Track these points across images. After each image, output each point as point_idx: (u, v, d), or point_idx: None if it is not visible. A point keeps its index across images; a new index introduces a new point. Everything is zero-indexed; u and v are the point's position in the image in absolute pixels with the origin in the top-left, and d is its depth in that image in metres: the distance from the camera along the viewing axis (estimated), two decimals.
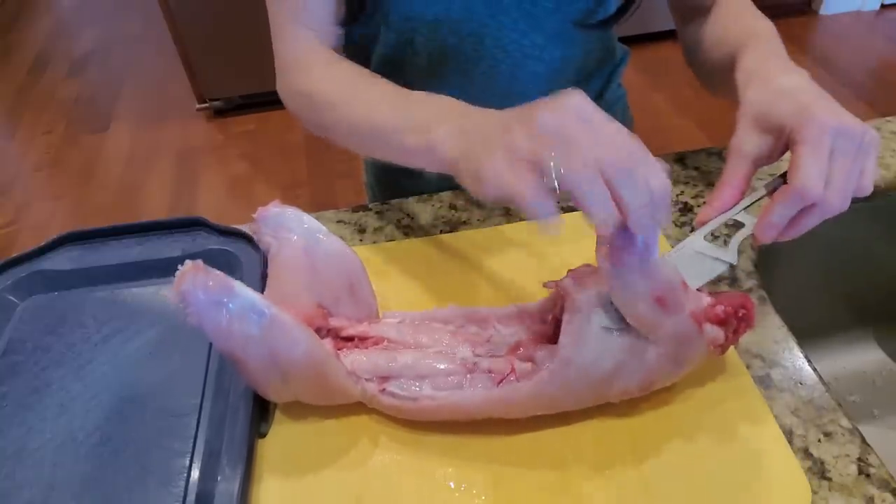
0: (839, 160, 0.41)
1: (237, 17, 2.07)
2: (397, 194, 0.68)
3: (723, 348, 0.45)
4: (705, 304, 0.44)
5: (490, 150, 0.37)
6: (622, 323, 0.42)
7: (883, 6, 2.57)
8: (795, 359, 0.51)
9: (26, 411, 0.49)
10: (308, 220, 0.50)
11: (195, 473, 0.44)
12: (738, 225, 0.46)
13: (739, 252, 0.60)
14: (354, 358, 0.47)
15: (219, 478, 0.44)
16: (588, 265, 0.45)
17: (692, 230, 0.61)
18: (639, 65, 2.33)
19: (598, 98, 0.73)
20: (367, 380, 0.46)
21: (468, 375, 0.45)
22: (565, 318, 0.43)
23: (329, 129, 0.55)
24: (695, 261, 0.46)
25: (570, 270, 0.45)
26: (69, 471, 0.45)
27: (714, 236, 0.45)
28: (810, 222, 0.43)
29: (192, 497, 0.43)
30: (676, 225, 0.62)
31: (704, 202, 0.46)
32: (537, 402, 0.45)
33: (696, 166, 0.69)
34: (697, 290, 0.45)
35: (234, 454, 0.44)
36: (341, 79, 0.55)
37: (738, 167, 0.46)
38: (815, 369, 0.50)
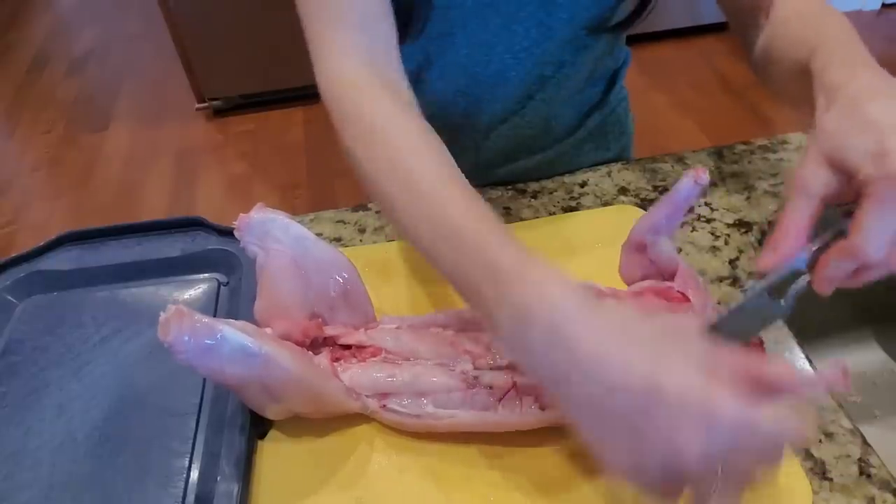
0: None
1: (237, 17, 2.06)
2: None
3: None
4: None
5: (635, 453, 0.31)
6: None
7: (883, 6, 2.57)
8: (795, 359, 0.51)
9: (25, 412, 0.49)
10: (294, 227, 0.47)
11: (194, 474, 0.44)
12: (797, 274, 0.39)
13: (739, 252, 0.59)
14: (353, 374, 0.46)
15: (218, 478, 0.43)
16: (597, 287, 0.45)
17: (693, 230, 0.62)
18: (639, 65, 2.32)
19: (602, 100, 0.73)
20: (367, 396, 0.46)
21: (469, 391, 0.45)
22: None
23: (380, 186, 0.42)
24: (748, 315, 0.40)
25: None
26: (68, 471, 0.45)
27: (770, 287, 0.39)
28: (874, 276, 0.38)
29: (191, 497, 0.43)
30: None
31: (764, 246, 0.39)
32: (540, 422, 0.45)
33: (696, 166, 0.69)
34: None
35: (234, 454, 0.44)
36: (425, 159, 0.41)
37: (803, 207, 0.38)
38: (815, 369, 0.50)
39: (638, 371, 0.30)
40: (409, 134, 0.43)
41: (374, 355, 0.48)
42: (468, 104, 0.65)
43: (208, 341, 0.40)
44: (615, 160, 0.72)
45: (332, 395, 0.45)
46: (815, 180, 0.38)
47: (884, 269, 0.37)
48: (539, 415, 0.44)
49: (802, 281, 0.39)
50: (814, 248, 0.38)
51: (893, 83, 0.39)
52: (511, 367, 0.46)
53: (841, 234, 0.38)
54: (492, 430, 0.45)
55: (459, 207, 0.38)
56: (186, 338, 0.39)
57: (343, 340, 0.49)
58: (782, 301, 0.39)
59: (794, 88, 0.47)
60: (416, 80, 0.64)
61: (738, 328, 0.40)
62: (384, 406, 0.45)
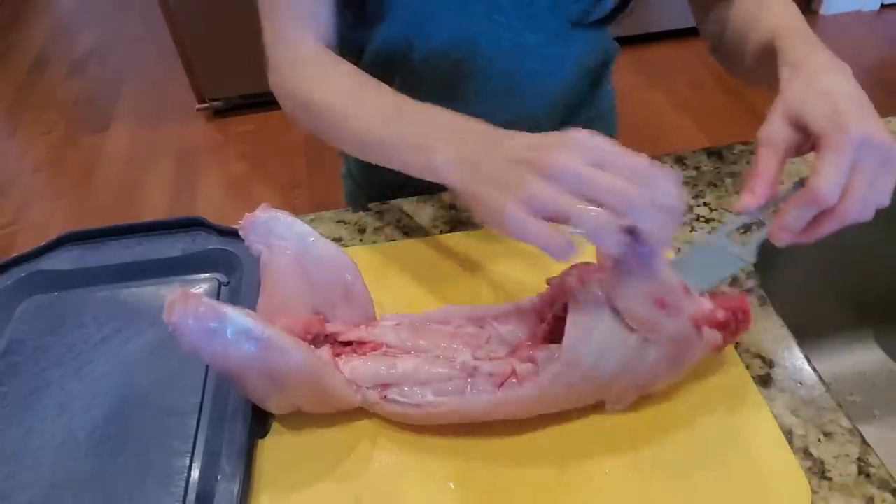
0: (860, 171, 0.41)
1: (237, 17, 2.06)
2: (380, 187, 0.68)
3: (720, 349, 0.45)
4: (705, 308, 0.44)
5: (505, 194, 0.38)
6: (626, 324, 0.42)
7: (883, 6, 2.57)
8: (795, 359, 0.51)
9: (26, 411, 0.49)
10: (298, 225, 0.49)
11: (195, 473, 0.44)
12: (759, 224, 0.45)
13: None
14: (354, 366, 0.47)
15: (219, 478, 0.44)
16: (590, 263, 0.45)
17: (692, 230, 0.62)
18: (638, 65, 2.33)
19: (590, 93, 0.73)
20: (367, 388, 0.46)
21: (469, 380, 0.45)
22: (570, 319, 0.42)
23: (327, 136, 0.55)
24: (712, 259, 0.45)
25: (573, 266, 0.45)
26: (69, 471, 0.45)
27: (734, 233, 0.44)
28: (826, 229, 0.43)
29: (191, 497, 0.43)
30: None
31: (740, 192, 0.45)
32: (540, 404, 0.45)
33: (695, 166, 0.69)
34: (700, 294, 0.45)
35: (234, 454, 0.44)
36: (340, 86, 0.54)
37: (771, 158, 0.45)
38: (814, 369, 0.50)
39: (502, 143, 0.41)
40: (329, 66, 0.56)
41: (374, 350, 0.48)
42: (452, 94, 0.66)
43: (213, 324, 0.40)
44: None
45: (334, 387, 0.45)
46: (781, 135, 0.45)
47: (836, 221, 0.42)
48: (538, 400, 0.44)
49: (765, 231, 0.44)
50: (777, 200, 0.44)
51: (840, 62, 0.47)
52: (511, 355, 0.46)
53: (800, 187, 0.43)
54: (491, 417, 0.45)
55: (369, 121, 0.50)
56: (191, 320, 0.40)
57: (344, 337, 0.49)
58: (746, 247, 0.44)
59: (756, 62, 0.56)
60: (401, 62, 0.65)
61: (702, 270, 0.43)
62: (384, 397, 0.45)
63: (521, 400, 0.44)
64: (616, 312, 0.42)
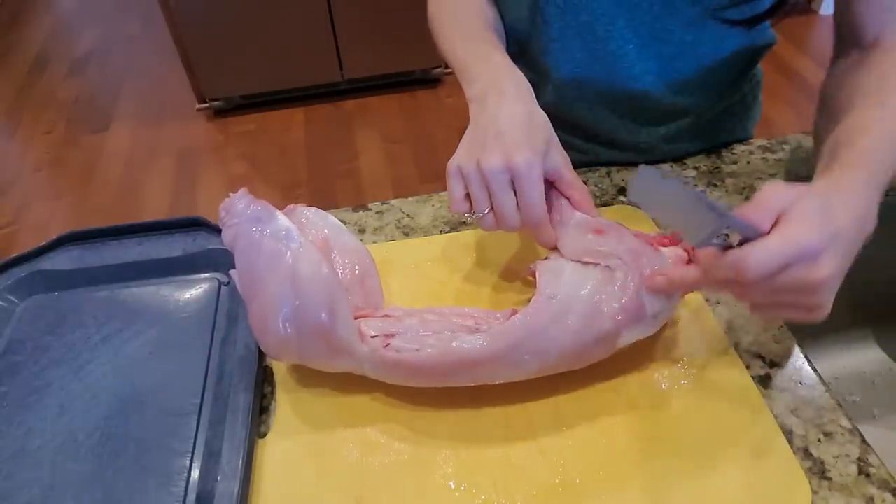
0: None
1: (237, 17, 2.06)
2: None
3: (688, 262, 0.47)
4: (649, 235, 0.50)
5: (469, 157, 0.49)
6: (588, 264, 0.47)
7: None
8: (795, 359, 0.51)
9: (26, 411, 0.49)
10: (330, 217, 0.55)
11: (195, 473, 0.44)
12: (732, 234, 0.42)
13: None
14: (363, 321, 0.48)
15: (219, 478, 0.44)
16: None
17: None
18: None
19: (731, 87, 0.71)
20: (372, 336, 0.46)
21: (471, 331, 0.46)
22: (538, 274, 0.48)
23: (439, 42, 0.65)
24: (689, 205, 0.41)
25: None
26: (69, 471, 0.45)
27: None
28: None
29: (192, 497, 0.43)
30: None
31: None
32: (539, 343, 0.45)
33: (695, 166, 0.70)
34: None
35: (234, 454, 0.44)
36: (452, 15, 0.64)
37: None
38: (815, 369, 0.50)
39: (496, 123, 0.50)
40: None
41: (385, 318, 0.49)
42: (584, 76, 0.66)
43: (262, 214, 0.46)
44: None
45: (344, 320, 0.45)
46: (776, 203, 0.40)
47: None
48: (534, 331, 0.44)
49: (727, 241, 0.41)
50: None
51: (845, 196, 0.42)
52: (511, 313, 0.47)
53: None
54: (494, 368, 0.45)
55: (454, 47, 0.61)
56: (244, 206, 0.47)
57: (356, 314, 0.49)
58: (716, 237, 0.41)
59: (823, 132, 0.53)
60: (530, 51, 0.67)
61: (666, 200, 0.42)
62: (388, 346, 0.46)
63: (513, 335, 0.44)
64: (577, 262, 0.48)
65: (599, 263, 0.47)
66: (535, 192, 0.48)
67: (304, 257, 0.45)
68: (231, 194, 0.48)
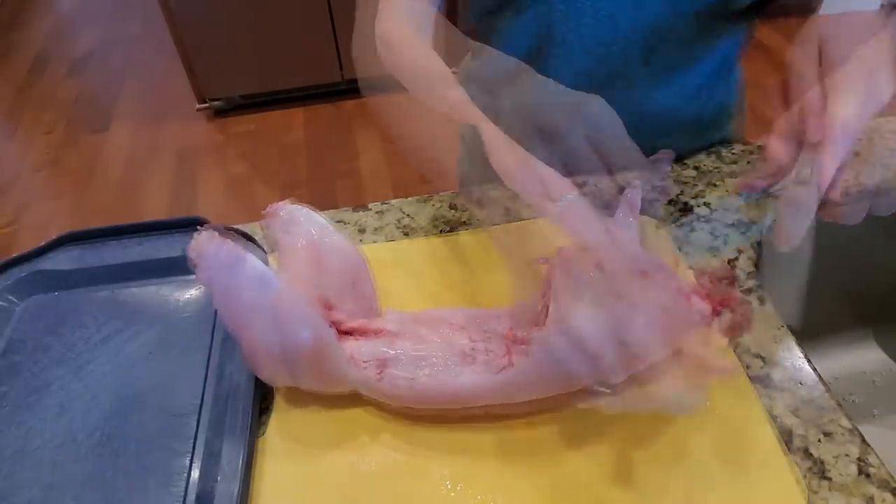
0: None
1: (237, 17, 2.07)
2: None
3: (709, 321, 0.45)
4: (691, 280, 0.45)
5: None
6: (611, 293, 0.42)
7: (882, 7, 2.57)
8: (795, 359, 0.51)
9: (26, 411, 0.49)
10: (317, 217, 0.53)
11: (195, 473, 0.44)
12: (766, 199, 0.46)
13: (739, 252, 0.60)
14: (355, 345, 0.47)
15: (219, 478, 0.44)
16: (571, 246, 0.45)
17: (692, 230, 0.62)
18: None
19: (720, 77, 0.71)
20: (364, 363, 0.46)
21: (467, 362, 0.46)
22: (555, 287, 0.42)
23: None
24: (710, 232, 0.44)
25: (559, 249, 0.44)
26: (69, 471, 0.45)
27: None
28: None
29: (192, 497, 0.43)
30: (677, 226, 0.62)
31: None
32: (534, 380, 0.44)
33: (695, 166, 0.70)
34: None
35: (234, 454, 0.44)
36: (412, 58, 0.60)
37: (778, 143, 0.47)
38: (815, 369, 0.50)
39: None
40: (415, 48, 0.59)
41: (376, 335, 0.48)
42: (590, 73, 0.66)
43: (233, 261, 0.45)
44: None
45: (334, 355, 0.45)
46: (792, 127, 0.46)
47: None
48: (531, 376, 0.44)
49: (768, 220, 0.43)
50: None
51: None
52: (507, 339, 0.46)
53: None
54: (489, 398, 0.45)
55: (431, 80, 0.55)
56: (213, 252, 0.44)
57: (347, 325, 0.49)
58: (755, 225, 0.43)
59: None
60: (537, 55, 0.66)
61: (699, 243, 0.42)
62: (381, 373, 0.46)
63: (514, 376, 0.43)
64: (601, 283, 0.42)
65: (625, 300, 0.42)
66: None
67: (284, 301, 0.44)
68: (195, 234, 0.46)
